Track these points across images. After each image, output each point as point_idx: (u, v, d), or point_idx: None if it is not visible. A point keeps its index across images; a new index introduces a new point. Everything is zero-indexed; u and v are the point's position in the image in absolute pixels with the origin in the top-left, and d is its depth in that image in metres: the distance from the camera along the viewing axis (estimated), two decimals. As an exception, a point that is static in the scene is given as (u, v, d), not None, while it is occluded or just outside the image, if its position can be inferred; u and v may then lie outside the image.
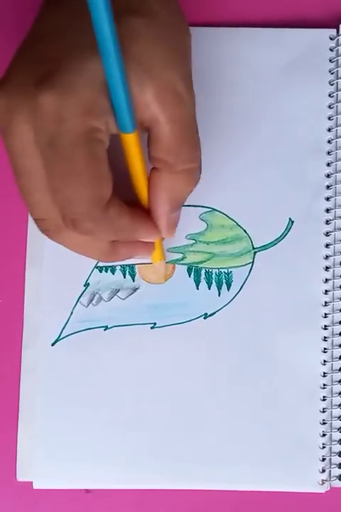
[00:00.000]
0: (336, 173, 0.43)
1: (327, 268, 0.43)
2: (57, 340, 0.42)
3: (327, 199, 0.43)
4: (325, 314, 0.43)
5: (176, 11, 0.36)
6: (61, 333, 0.42)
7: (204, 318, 0.43)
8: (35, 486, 0.42)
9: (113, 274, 0.43)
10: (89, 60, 0.31)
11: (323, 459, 0.42)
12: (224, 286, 0.43)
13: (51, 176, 0.33)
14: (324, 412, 0.42)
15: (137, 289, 0.43)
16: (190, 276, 0.43)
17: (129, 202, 0.37)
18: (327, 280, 0.43)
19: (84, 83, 0.31)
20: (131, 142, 0.34)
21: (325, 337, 0.42)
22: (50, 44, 0.33)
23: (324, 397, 0.42)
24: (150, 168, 0.36)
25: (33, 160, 0.33)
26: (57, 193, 0.33)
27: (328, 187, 0.43)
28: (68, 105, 0.31)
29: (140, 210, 0.38)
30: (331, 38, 0.44)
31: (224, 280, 0.43)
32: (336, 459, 0.42)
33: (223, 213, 0.43)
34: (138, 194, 0.37)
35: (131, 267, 0.43)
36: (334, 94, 0.43)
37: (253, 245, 0.43)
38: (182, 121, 0.34)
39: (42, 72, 0.32)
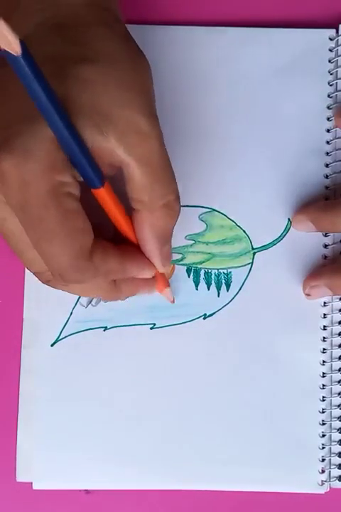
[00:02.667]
0: (335, 174, 0.43)
1: (326, 268, 0.43)
2: (56, 341, 0.42)
3: (326, 200, 0.43)
4: (324, 315, 0.43)
5: (130, 47, 0.35)
6: (60, 333, 0.42)
7: (204, 318, 0.43)
8: (35, 487, 0.42)
9: (112, 274, 0.43)
10: (42, 119, 0.30)
11: (323, 460, 0.42)
12: (224, 286, 0.43)
13: (30, 236, 0.33)
14: (323, 412, 0.42)
15: (136, 289, 0.43)
16: (189, 276, 0.43)
17: (120, 239, 0.37)
18: (326, 280, 0.43)
19: (41, 142, 0.30)
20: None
21: (324, 337, 0.42)
22: (5, 110, 0.32)
23: (323, 397, 0.42)
24: (131, 207, 0.35)
25: (12, 223, 0.33)
26: (39, 251, 0.33)
27: (327, 188, 0.43)
28: (29, 168, 0.30)
29: (131, 247, 0.37)
30: (330, 39, 0.44)
31: (223, 280, 0.43)
32: (335, 460, 0.42)
33: (222, 214, 0.43)
34: (125, 235, 0.37)
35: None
36: (334, 94, 0.43)
37: (252, 246, 0.43)
38: (151, 158, 0.33)
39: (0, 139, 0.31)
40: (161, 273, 0.39)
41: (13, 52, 0.26)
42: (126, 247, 0.37)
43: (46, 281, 0.37)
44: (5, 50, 0.26)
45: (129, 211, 0.36)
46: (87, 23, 0.34)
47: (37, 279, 0.37)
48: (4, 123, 0.32)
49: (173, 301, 0.42)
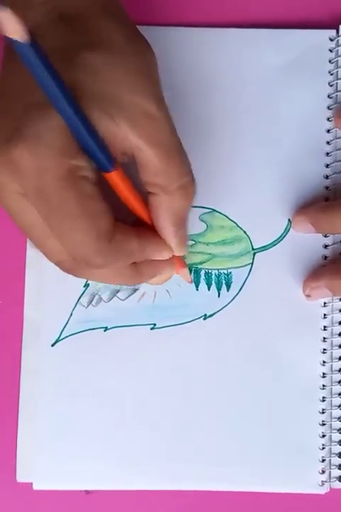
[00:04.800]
0: (335, 174, 0.43)
1: (326, 269, 0.43)
2: (57, 341, 0.42)
3: (326, 200, 0.43)
4: (324, 315, 0.43)
5: (134, 34, 0.35)
6: (61, 333, 0.42)
7: (204, 319, 0.43)
8: (35, 487, 0.42)
9: (112, 274, 0.43)
10: (52, 106, 0.31)
11: (323, 460, 0.42)
12: (224, 287, 0.43)
13: (49, 224, 0.33)
14: (323, 413, 0.42)
15: (137, 289, 0.43)
16: (189, 277, 0.43)
17: (137, 221, 0.37)
18: (326, 281, 0.43)
19: (53, 128, 0.31)
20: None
21: (324, 338, 0.43)
22: (15, 100, 0.32)
23: (323, 397, 0.42)
24: (146, 192, 0.36)
25: (30, 214, 0.33)
26: (60, 238, 0.34)
27: (327, 188, 0.43)
28: (43, 153, 0.31)
29: (147, 229, 0.37)
30: (331, 39, 0.44)
31: (223, 281, 0.43)
32: (336, 460, 0.42)
33: (223, 214, 0.43)
34: (140, 218, 0.37)
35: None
36: (334, 95, 0.43)
37: (252, 246, 0.43)
38: (163, 141, 0.33)
39: (11, 129, 0.31)
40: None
41: (20, 40, 0.26)
42: (143, 229, 0.37)
43: (68, 270, 0.37)
44: (12, 39, 0.26)
45: (145, 196, 0.36)
46: (90, 13, 0.34)
47: (60, 269, 0.37)
48: (15, 113, 0.32)
49: (191, 282, 0.42)
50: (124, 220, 0.36)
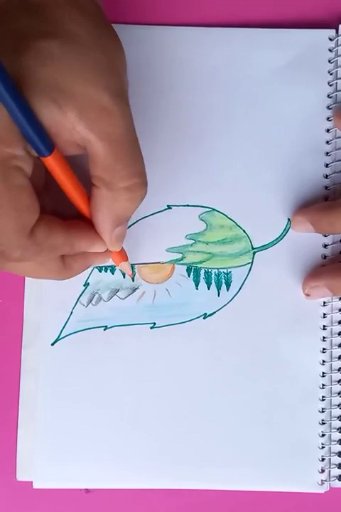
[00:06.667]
0: (334, 173, 0.43)
1: (325, 268, 0.43)
2: (57, 340, 0.43)
3: (326, 199, 0.43)
4: (324, 314, 0.43)
5: (102, 28, 0.34)
6: (61, 332, 0.43)
7: (204, 318, 0.43)
8: (35, 486, 0.42)
9: (112, 274, 0.43)
10: None
11: (322, 459, 0.42)
12: (224, 286, 0.43)
13: None
14: (323, 412, 0.42)
15: (136, 289, 0.43)
16: (189, 276, 0.43)
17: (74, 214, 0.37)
18: (325, 280, 0.43)
19: None
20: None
21: (323, 337, 0.43)
22: None
23: (323, 397, 0.42)
24: (91, 183, 0.35)
25: None
26: None
27: (326, 188, 0.43)
28: None
29: (82, 222, 0.37)
30: (330, 39, 0.44)
31: (223, 280, 0.43)
32: (335, 459, 0.42)
33: (222, 213, 0.43)
34: (77, 208, 0.36)
35: (131, 267, 0.43)
36: (333, 95, 0.44)
37: (252, 245, 0.43)
38: (115, 136, 0.32)
39: None
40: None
41: None
42: (77, 221, 0.36)
43: None
44: None
45: (90, 187, 0.35)
46: (57, 2, 0.33)
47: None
48: None
49: (132, 276, 0.42)
50: (66, 209, 0.36)
